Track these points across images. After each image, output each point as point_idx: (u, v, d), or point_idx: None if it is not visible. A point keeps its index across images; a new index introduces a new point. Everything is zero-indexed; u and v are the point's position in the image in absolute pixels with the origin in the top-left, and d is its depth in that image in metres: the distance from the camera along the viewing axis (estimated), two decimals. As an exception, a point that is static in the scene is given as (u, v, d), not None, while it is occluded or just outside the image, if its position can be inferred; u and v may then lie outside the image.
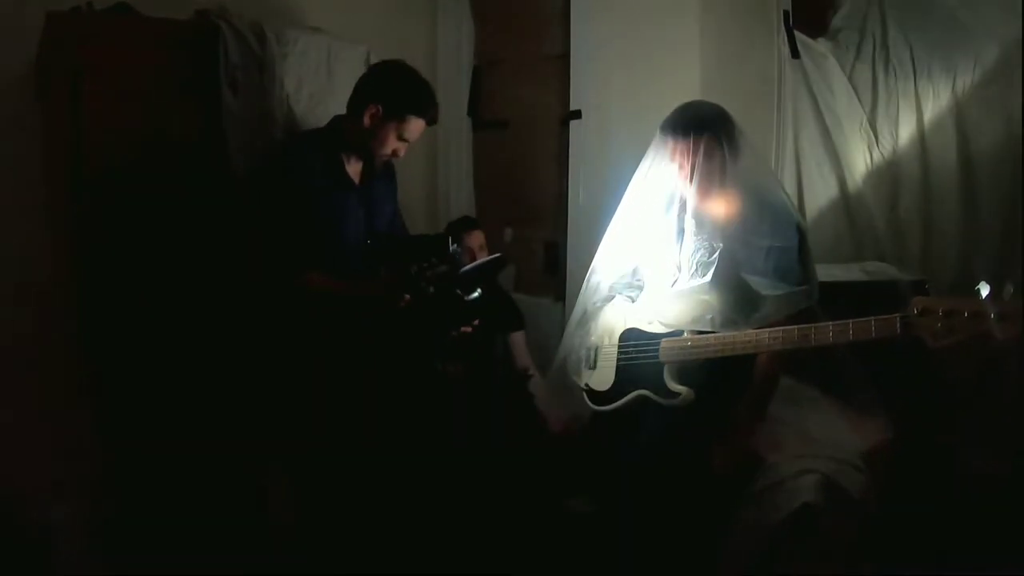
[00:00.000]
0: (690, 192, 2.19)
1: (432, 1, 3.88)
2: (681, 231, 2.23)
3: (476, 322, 2.50)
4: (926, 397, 2.78)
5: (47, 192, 2.67)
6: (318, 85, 2.78)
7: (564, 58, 3.33)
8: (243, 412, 2.50)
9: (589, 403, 2.40)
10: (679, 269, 2.23)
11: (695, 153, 2.14)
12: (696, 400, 2.15)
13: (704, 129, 2.14)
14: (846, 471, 2.18)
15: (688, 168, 2.15)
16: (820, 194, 3.40)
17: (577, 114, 3.23)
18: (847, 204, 3.42)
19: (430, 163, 3.88)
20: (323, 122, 2.56)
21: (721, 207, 2.20)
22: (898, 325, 1.78)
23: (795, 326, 1.98)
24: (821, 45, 3.41)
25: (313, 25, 2.97)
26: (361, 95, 2.41)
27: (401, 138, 2.41)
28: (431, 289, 2.27)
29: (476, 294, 2.39)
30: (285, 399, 2.43)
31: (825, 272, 2.89)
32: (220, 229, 2.57)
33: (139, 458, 2.44)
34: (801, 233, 2.18)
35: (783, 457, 2.19)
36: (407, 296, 2.29)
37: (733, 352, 2.08)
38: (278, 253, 2.34)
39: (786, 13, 3.28)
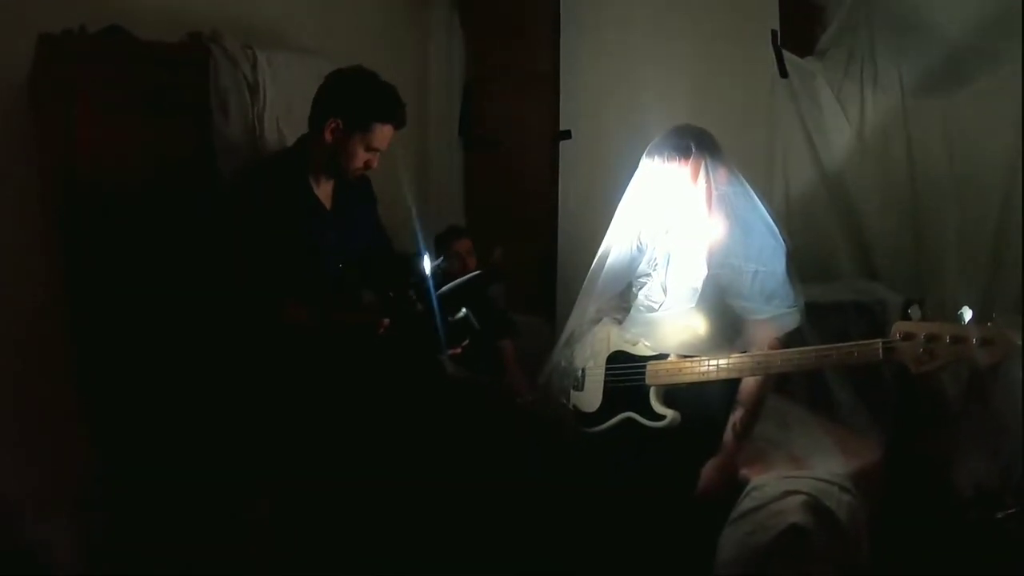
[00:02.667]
0: (676, 216, 2.21)
1: (423, 20, 3.89)
2: (667, 255, 2.25)
3: (465, 343, 2.40)
4: (916, 411, 2.79)
5: (40, 211, 2.67)
6: (308, 107, 2.77)
7: (555, 77, 3.36)
8: (234, 429, 2.47)
9: (577, 424, 2.41)
10: (665, 292, 2.25)
11: (680, 178, 2.16)
12: (682, 423, 2.17)
13: (688, 154, 2.16)
14: (833, 492, 2.18)
15: (673, 193, 2.18)
16: (810, 212, 3.40)
17: (567, 134, 3.25)
18: (837, 222, 3.42)
19: (420, 182, 3.87)
20: None
21: (706, 231, 2.22)
22: (880, 351, 1.80)
23: (779, 351, 2.01)
24: (809, 64, 3.42)
25: (303, 47, 2.98)
26: (318, 110, 2.28)
27: (369, 148, 2.27)
28: (413, 310, 2.19)
29: (461, 313, 2.30)
30: (273, 420, 2.37)
31: (814, 292, 2.91)
32: (210, 249, 2.56)
33: (131, 474, 2.44)
34: (787, 256, 2.20)
35: (770, 478, 2.19)
36: (386, 321, 2.20)
37: (718, 376, 2.10)
38: (251, 289, 2.25)
39: (774, 32, 3.29)
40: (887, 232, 3.41)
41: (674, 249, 2.25)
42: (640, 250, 2.33)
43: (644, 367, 2.24)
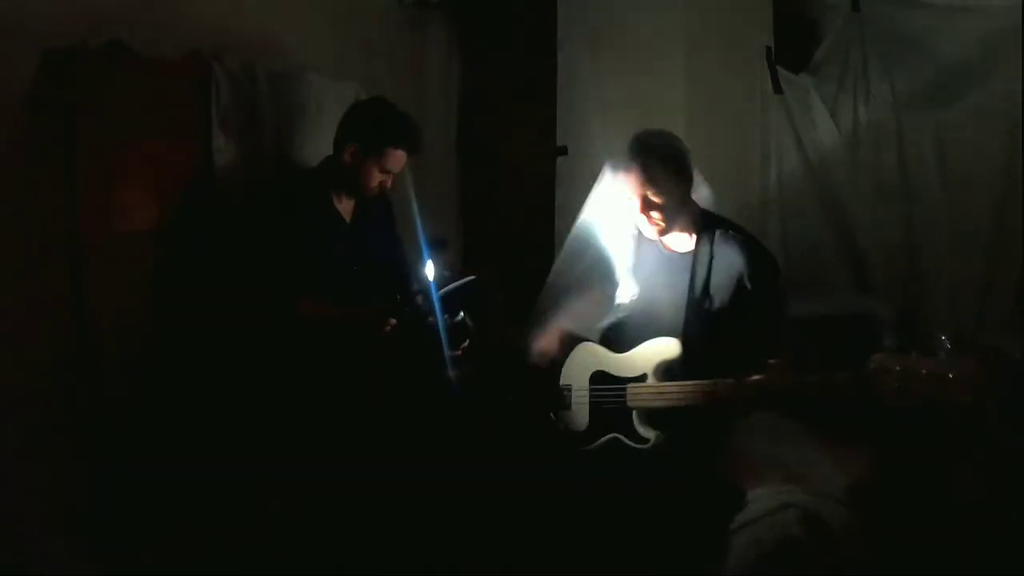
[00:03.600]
0: (645, 226, 2.22)
1: (421, 36, 3.92)
2: (650, 276, 2.29)
3: (465, 344, 2.49)
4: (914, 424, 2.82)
5: (40, 226, 2.66)
6: (308, 123, 2.83)
7: (552, 93, 3.39)
8: (241, 427, 2.52)
9: (567, 443, 2.37)
10: (646, 313, 2.27)
11: (646, 182, 2.17)
12: (666, 443, 2.16)
13: (651, 155, 2.19)
14: (828, 505, 2.20)
15: (640, 199, 2.19)
16: (805, 226, 3.44)
17: (563, 150, 3.29)
18: (831, 235, 3.46)
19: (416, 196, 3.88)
20: (312, 160, 2.64)
21: (683, 246, 2.25)
22: (856, 386, 1.80)
23: (756, 378, 1.98)
24: (803, 79, 3.48)
25: (303, 64, 3.01)
26: (340, 135, 2.52)
27: (383, 171, 2.50)
28: (419, 313, 2.33)
29: (460, 316, 2.42)
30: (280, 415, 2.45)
31: (809, 306, 2.94)
32: (213, 263, 2.58)
33: (133, 480, 2.45)
34: (773, 272, 2.22)
35: (765, 491, 2.21)
36: (392, 321, 2.36)
37: (695, 401, 2.07)
38: (270, 286, 2.41)
39: (768, 49, 3.35)
40: (881, 246, 3.45)
41: (654, 267, 2.29)
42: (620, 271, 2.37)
43: (624, 390, 2.23)
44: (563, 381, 2.42)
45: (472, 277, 2.52)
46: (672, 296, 2.24)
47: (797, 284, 3.30)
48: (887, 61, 3.50)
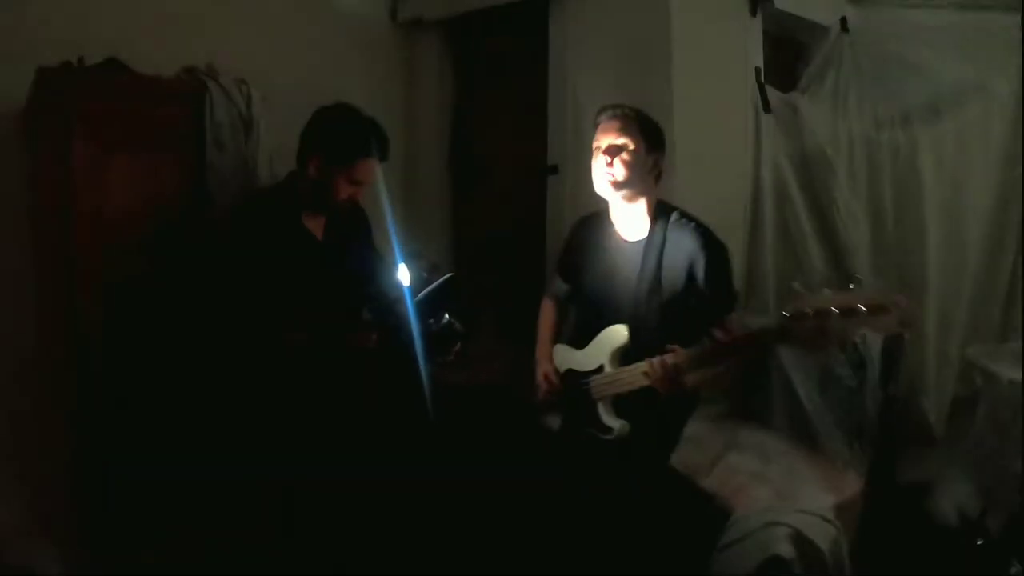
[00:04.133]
0: (603, 174, 2.22)
1: (414, 55, 3.96)
2: (606, 267, 2.30)
3: (457, 347, 2.47)
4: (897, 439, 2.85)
5: (34, 242, 2.69)
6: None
7: (543, 113, 3.41)
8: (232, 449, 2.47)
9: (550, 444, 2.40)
10: (603, 304, 2.29)
11: (621, 131, 2.21)
12: (632, 431, 2.16)
13: (634, 115, 2.24)
14: (816, 523, 2.24)
15: (609, 145, 2.22)
16: (793, 244, 3.47)
17: (554, 169, 3.30)
18: (819, 254, 3.48)
19: (408, 215, 3.87)
20: None
21: (638, 235, 2.26)
22: (772, 336, 1.82)
23: (682, 353, 1.98)
24: (792, 99, 3.52)
25: (296, 82, 3.03)
26: (303, 146, 2.35)
27: (353, 182, 2.33)
28: (399, 322, 2.26)
29: (445, 320, 2.37)
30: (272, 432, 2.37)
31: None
32: (208, 281, 2.56)
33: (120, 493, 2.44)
34: (723, 257, 2.22)
35: (753, 510, 2.24)
36: (374, 336, 2.28)
37: (642, 383, 2.06)
38: (249, 316, 2.27)
39: (757, 69, 3.39)
40: (869, 263, 3.48)
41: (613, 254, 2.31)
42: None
43: (588, 383, 2.24)
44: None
45: (450, 275, 2.47)
46: (626, 284, 2.24)
47: (784, 298, 3.35)
48: (874, 81, 3.56)
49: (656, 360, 2.00)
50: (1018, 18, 3.26)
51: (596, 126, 2.29)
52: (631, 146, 2.20)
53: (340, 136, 2.31)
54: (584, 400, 2.24)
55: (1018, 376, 2.64)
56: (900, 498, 2.80)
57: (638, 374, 2.05)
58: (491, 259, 3.70)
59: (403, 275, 2.38)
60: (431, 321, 2.36)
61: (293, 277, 2.31)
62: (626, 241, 2.28)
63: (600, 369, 2.21)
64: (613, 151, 2.20)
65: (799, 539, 2.16)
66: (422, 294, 2.37)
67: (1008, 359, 2.82)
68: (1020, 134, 3.36)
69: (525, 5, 3.40)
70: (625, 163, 2.19)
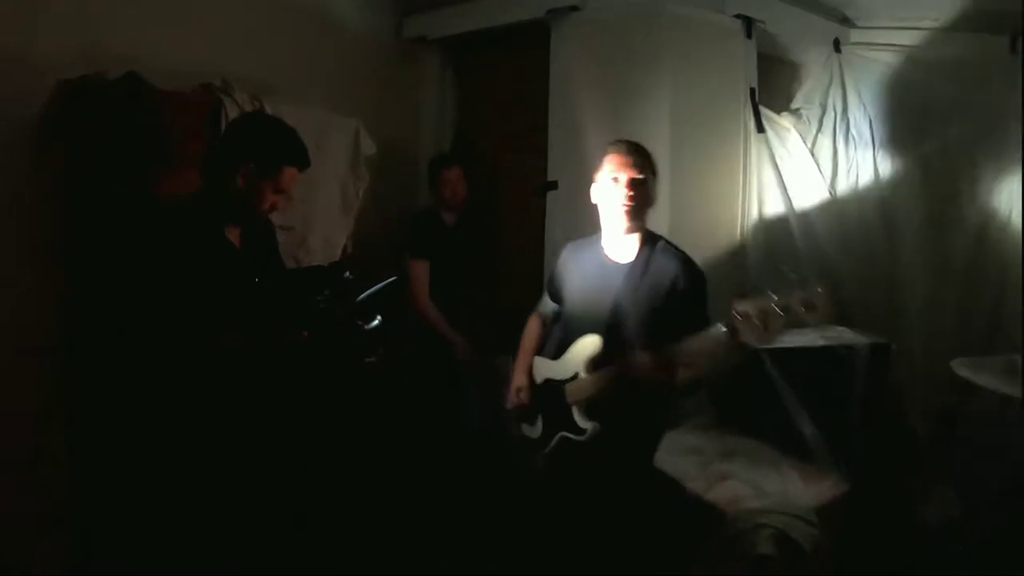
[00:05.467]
0: (620, 202, 2.31)
1: (418, 73, 4.06)
2: (589, 284, 2.40)
3: (380, 351, 2.45)
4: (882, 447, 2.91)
5: (43, 252, 2.69)
6: (312, 155, 2.89)
7: (544, 130, 3.50)
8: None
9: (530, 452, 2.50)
10: (582, 318, 2.38)
11: (634, 166, 2.31)
12: (604, 431, 2.27)
13: (642, 151, 2.35)
14: (799, 525, 2.32)
15: (628, 176, 2.30)
16: (784, 260, 3.49)
17: (554, 185, 3.39)
18: (811, 269, 3.53)
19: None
20: (318, 190, 2.69)
21: (624, 257, 2.36)
22: (727, 333, 1.95)
23: (645, 358, 2.13)
24: (785, 119, 3.60)
25: (307, 97, 3.12)
26: (229, 154, 2.27)
27: (278, 191, 2.29)
28: (332, 319, 2.27)
29: (376, 322, 2.35)
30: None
31: (787, 338, 3.02)
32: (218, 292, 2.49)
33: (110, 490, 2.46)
34: (701, 283, 2.32)
35: (740, 512, 2.33)
36: (305, 333, 2.27)
37: (611, 384, 2.21)
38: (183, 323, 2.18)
39: (752, 90, 3.47)
40: (858, 279, 3.57)
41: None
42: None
43: (563, 390, 2.35)
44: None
45: (393, 279, 2.48)
46: (607, 299, 2.33)
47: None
48: (866, 101, 3.64)
49: (634, 361, 2.15)
50: (1006, 40, 3.36)
51: (608, 155, 2.37)
52: (647, 182, 2.33)
53: (271, 144, 2.28)
54: (559, 405, 2.35)
55: (1003, 389, 2.70)
56: (884, 504, 2.86)
57: (609, 376, 2.21)
58: (490, 273, 3.77)
59: (347, 275, 2.41)
60: (360, 323, 2.36)
61: (217, 286, 2.25)
62: (613, 262, 2.38)
63: (575, 377, 2.32)
64: (633, 185, 2.30)
65: (783, 540, 2.24)
66: (365, 294, 2.41)
67: (992, 371, 2.88)
68: (1006, 152, 3.42)
69: (527, 25, 3.50)
70: (642, 197, 2.31)
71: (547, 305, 2.62)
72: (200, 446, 2.26)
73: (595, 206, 2.40)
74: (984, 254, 3.57)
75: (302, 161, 2.32)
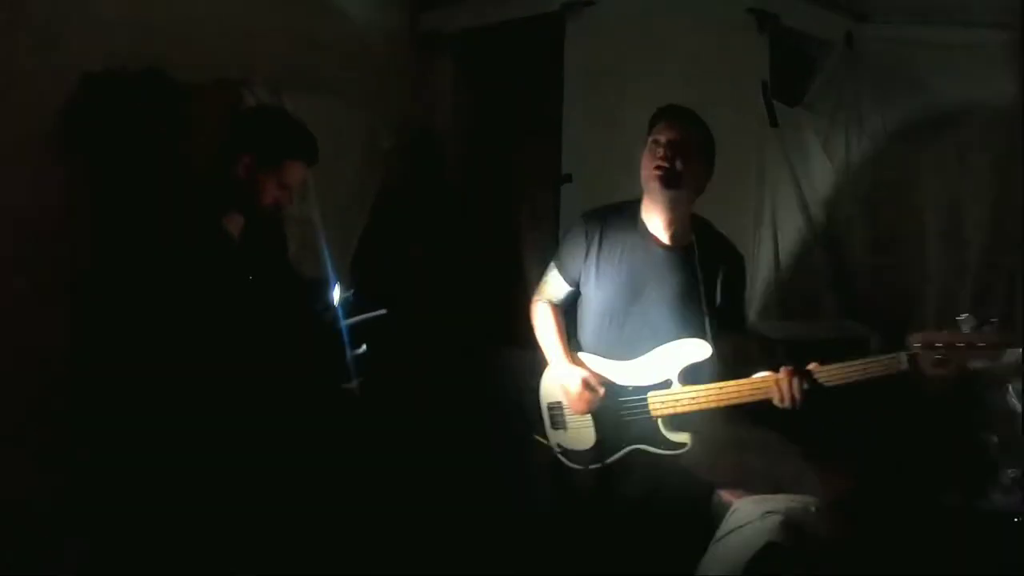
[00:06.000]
0: (656, 168, 2.15)
1: (430, 70, 4.08)
2: (639, 276, 2.26)
3: (361, 379, 2.35)
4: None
5: (69, 246, 2.68)
6: (327, 149, 2.90)
7: (557, 124, 3.53)
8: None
9: (567, 463, 2.37)
10: (639, 315, 2.28)
11: (682, 135, 2.15)
12: (696, 445, 2.18)
13: (696, 124, 2.21)
14: (810, 514, 2.33)
15: (669, 142, 2.15)
16: (798, 255, 3.58)
17: (568, 178, 3.41)
18: (824, 263, 3.60)
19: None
20: (335, 185, 2.69)
21: (676, 241, 2.25)
22: (905, 362, 1.94)
23: (809, 368, 2.06)
24: (798, 113, 3.63)
25: (314, 91, 3.11)
26: (232, 145, 2.22)
27: (282, 186, 2.23)
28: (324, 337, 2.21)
29: (362, 349, 2.28)
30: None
31: (800, 330, 3.04)
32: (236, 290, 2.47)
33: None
34: (744, 268, 2.32)
35: (751, 501, 2.34)
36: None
37: (740, 400, 2.12)
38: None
39: (764, 84, 3.49)
40: (870, 273, 3.59)
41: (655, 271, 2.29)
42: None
43: (642, 399, 2.21)
44: (549, 399, 2.41)
45: (383, 311, 2.35)
46: (666, 294, 2.22)
47: (790, 308, 3.44)
48: (879, 96, 3.66)
49: (787, 372, 2.04)
50: (1016, 34, 3.37)
51: (655, 122, 2.24)
52: (688, 159, 2.14)
53: (274, 136, 2.23)
54: (635, 415, 2.20)
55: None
56: (894, 494, 2.86)
57: (743, 392, 2.10)
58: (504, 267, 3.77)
59: (336, 291, 2.30)
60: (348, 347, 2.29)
61: (205, 276, 2.18)
62: (663, 246, 2.24)
63: (665, 384, 2.18)
64: (672, 147, 2.14)
65: (793, 527, 2.25)
66: (354, 320, 2.30)
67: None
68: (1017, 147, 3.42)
69: (542, 19, 3.53)
70: (683, 163, 2.13)
71: (558, 288, 2.41)
72: (192, 443, 2.19)
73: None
74: (996, 252, 3.57)
75: (307, 155, 2.26)
